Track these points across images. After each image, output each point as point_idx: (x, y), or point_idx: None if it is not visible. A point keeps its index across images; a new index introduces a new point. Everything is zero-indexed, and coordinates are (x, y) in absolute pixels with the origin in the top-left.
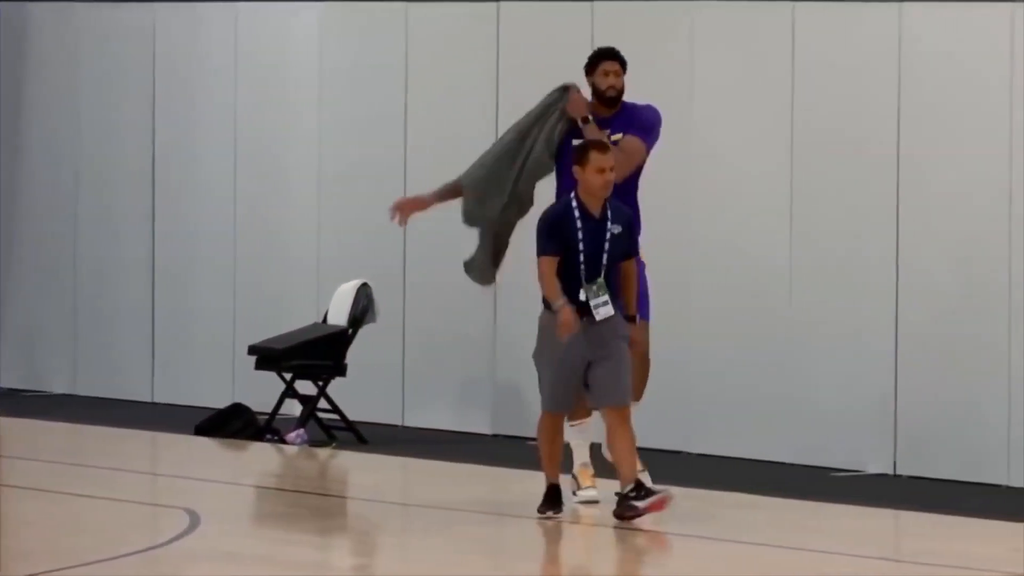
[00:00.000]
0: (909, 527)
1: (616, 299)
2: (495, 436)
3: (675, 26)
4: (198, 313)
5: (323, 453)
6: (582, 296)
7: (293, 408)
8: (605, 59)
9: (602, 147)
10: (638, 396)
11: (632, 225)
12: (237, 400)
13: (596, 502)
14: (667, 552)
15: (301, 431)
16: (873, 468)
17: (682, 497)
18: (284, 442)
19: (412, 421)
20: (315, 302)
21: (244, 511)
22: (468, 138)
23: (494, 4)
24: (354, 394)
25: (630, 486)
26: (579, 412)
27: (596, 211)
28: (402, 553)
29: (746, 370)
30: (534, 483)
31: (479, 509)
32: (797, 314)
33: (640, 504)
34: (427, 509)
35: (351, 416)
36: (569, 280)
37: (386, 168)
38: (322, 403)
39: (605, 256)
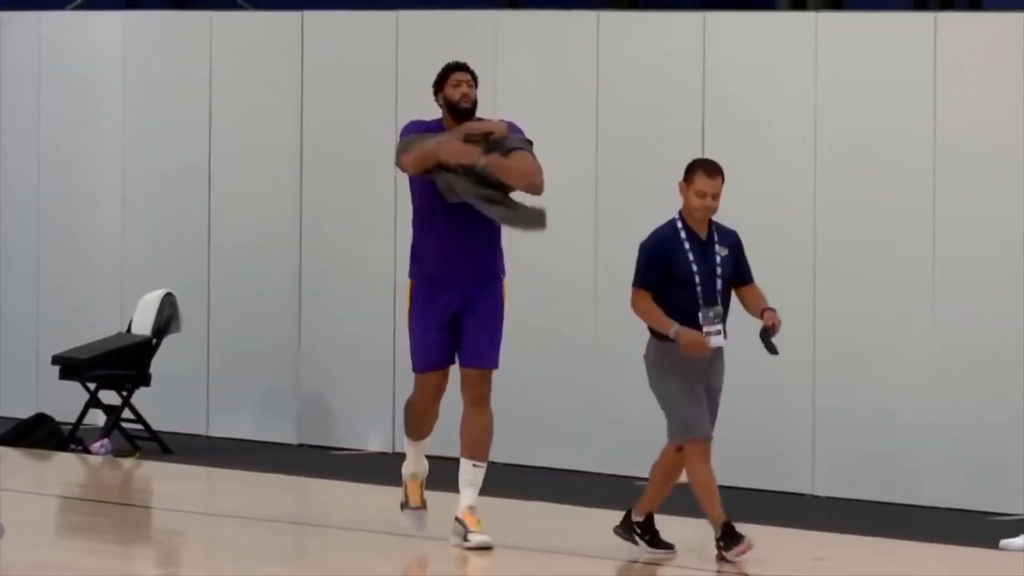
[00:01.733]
0: (712, 537)
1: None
2: (300, 445)
3: (479, 35)
4: (1, 322)
5: (127, 463)
6: (700, 320)
7: (97, 418)
8: (456, 71)
9: (712, 171)
10: None
11: (740, 246)
12: (41, 410)
13: (490, 548)
14: (465, 563)
15: (105, 441)
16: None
17: (485, 506)
18: (88, 452)
19: (216, 431)
20: (119, 312)
21: (48, 522)
22: (272, 149)
23: (298, 15)
24: (158, 404)
25: (719, 531)
26: (423, 436)
27: (702, 233)
28: (206, 563)
29: (552, 381)
30: (338, 492)
31: (283, 519)
32: (602, 327)
33: (728, 555)
34: (231, 519)
35: (155, 426)
36: (680, 305)
37: (190, 178)
38: (126, 413)
39: (719, 280)
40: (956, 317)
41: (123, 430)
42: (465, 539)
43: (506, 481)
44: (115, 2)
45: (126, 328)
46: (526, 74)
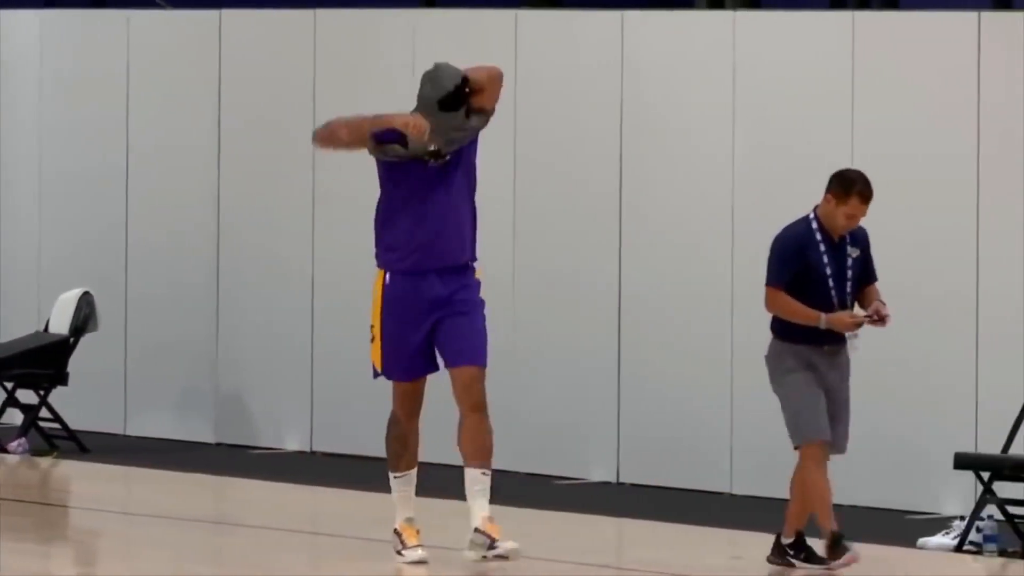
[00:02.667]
0: (632, 535)
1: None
2: (217, 444)
3: (397, 34)
4: None
5: (45, 462)
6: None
7: (15, 417)
8: None
9: (867, 196)
10: None
11: (868, 245)
12: None
13: (425, 562)
14: (383, 559)
15: (22, 440)
16: (596, 476)
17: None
18: (5, 451)
19: (134, 430)
20: (36, 311)
21: None
22: (190, 146)
23: (216, 13)
24: (76, 403)
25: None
26: (410, 462)
27: (835, 234)
28: (125, 562)
29: None
30: (257, 491)
31: (201, 518)
32: (521, 326)
33: (834, 564)
34: (149, 518)
35: (73, 425)
36: (812, 306)
37: (108, 176)
38: (44, 412)
39: (849, 283)
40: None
41: (40, 429)
42: (491, 548)
43: (424, 480)
44: (32, 0)
45: (43, 327)
46: None
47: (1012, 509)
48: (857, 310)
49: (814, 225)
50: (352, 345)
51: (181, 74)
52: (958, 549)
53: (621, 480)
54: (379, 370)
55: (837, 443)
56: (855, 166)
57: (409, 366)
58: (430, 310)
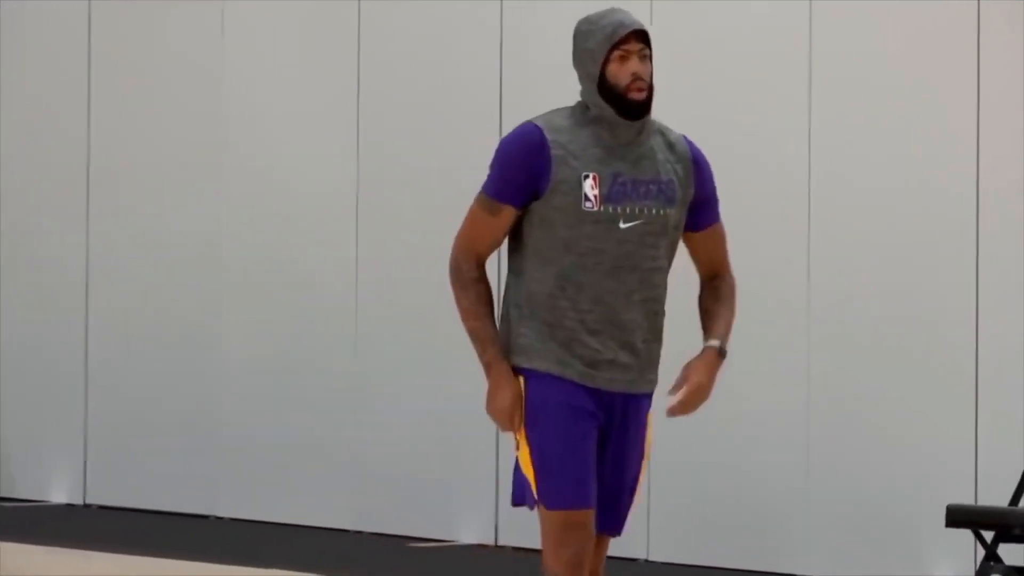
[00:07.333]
0: None
1: None
2: None
3: (207, 23)
4: None
5: None
6: None
7: None
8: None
9: None
10: None
11: None
12: None
13: None
14: None
15: None
16: (468, 537)
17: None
18: None
19: None
20: None
21: None
22: (61, 147)
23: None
24: None
25: None
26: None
27: None
28: None
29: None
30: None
31: None
32: (363, 353)
33: None
34: None
35: None
36: None
37: None
38: None
39: None
40: (826, 368)
41: None
42: None
43: (231, 539)
44: None
45: None
46: (288, 64)
47: None
48: None
49: None
50: (132, 374)
51: (49, 73)
52: None
53: (501, 543)
54: None
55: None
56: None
57: (575, 479)
58: (598, 422)
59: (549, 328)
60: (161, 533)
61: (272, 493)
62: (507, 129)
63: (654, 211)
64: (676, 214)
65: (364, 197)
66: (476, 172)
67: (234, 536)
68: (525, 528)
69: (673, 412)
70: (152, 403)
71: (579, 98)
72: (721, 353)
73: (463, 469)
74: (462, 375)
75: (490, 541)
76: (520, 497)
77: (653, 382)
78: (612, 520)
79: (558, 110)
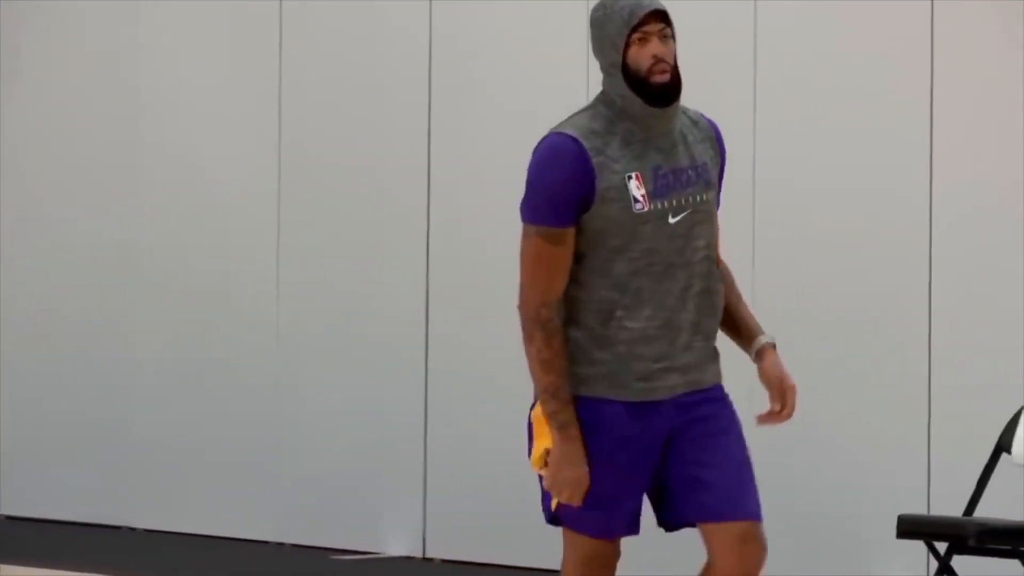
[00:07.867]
0: None
1: None
2: None
3: (124, 20)
4: None
5: None
6: None
7: None
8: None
9: None
10: None
11: None
12: None
13: None
14: None
15: None
16: (395, 550)
17: None
18: None
19: None
20: None
21: None
22: None
23: None
24: None
25: None
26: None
27: None
28: None
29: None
30: None
31: None
32: (289, 365)
33: None
34: None
35: None
36: None
37: None
38: None
39: None
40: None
41: None
42: None
43: (147, 552)
44: None
45: None
46: (207, 63)
47: None
48: None
49: None
50: (44, 381)
51: None
52: None
53: (429, 555)
54: None
55: None
56: None
57: (608, 508)
58: (659, 439)
59: (600, 346)
60: (73, 545)
61: (189, 503)
62: (435, 129)
63: (698, 198)
64: (715, 196)
65: (285, 198)
66: (400, 173)
67: (149, 548)
68: (454, 540)
69: (780, 419)
70: (64, 411)
71: (585, 97)
72: (774, 346)
73: (389, 478)
74: (388, 380)
75: (418, 553)
76: (551, 516)
77: (718, 375)
78: (746, 499)
79: (578, 113)
